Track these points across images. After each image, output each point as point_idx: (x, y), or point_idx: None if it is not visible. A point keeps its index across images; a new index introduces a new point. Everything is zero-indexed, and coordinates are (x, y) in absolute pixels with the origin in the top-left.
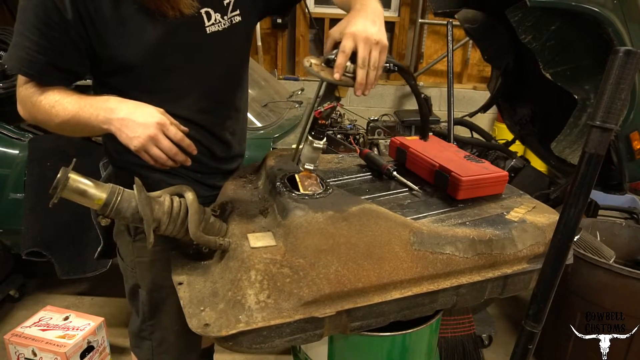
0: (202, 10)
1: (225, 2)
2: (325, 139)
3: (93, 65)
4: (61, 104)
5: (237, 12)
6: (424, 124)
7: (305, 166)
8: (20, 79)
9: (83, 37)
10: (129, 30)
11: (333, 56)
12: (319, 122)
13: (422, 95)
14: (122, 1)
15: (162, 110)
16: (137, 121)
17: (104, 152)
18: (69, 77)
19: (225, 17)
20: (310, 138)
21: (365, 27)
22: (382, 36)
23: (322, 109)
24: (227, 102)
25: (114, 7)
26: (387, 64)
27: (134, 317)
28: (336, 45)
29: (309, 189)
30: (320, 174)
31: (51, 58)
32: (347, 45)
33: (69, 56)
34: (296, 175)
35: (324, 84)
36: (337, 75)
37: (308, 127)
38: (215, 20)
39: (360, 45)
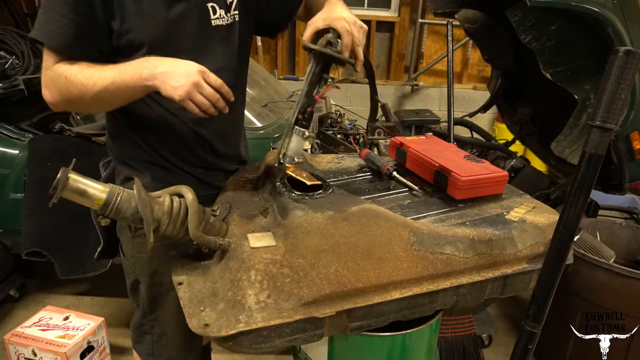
0: (209, 5)
1: (228, 1)
2: (311, 128)
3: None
4: (98, 74)
5: (238, 12)
6: (373, 106)
7: (295, 159)
8: (48, 60)
9: (105, 13)
10: (145, 8)
11: (331, 36)
12: (308, 110)
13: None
14: None
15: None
16: (180, 72)
17: (109, 150)
18: (94, 54)
19: (229, 14)
20: (298, 128)
21: (349, 13)
22: (361, 22)
23: (323, 92)
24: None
25: None
26: None
27: (136, 311)
28: (318, 33)
29: (310, 180)
30: (320, 174)
31: (79, 32)
32: (345, 27)
33: (94, 33)
34: (289, 172)
35: (313, 70)
36: (346, 54)
37: (294, 117)
38: (220, 15)
39: (352, 27)
